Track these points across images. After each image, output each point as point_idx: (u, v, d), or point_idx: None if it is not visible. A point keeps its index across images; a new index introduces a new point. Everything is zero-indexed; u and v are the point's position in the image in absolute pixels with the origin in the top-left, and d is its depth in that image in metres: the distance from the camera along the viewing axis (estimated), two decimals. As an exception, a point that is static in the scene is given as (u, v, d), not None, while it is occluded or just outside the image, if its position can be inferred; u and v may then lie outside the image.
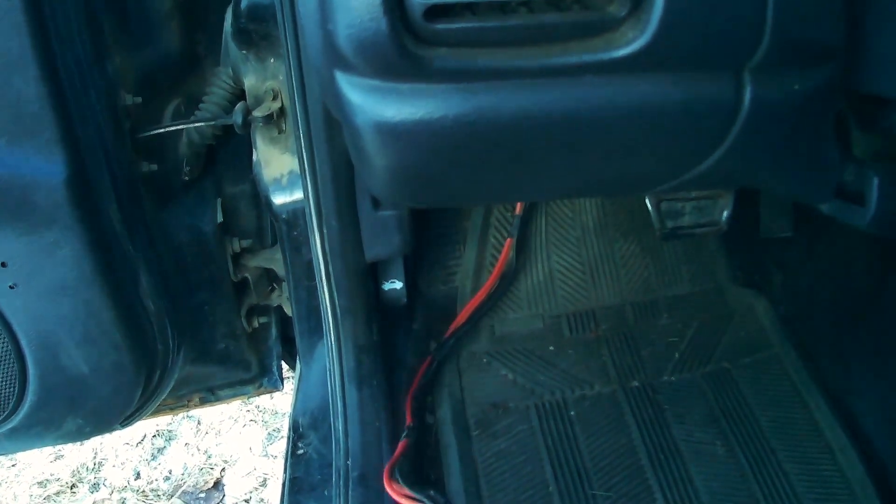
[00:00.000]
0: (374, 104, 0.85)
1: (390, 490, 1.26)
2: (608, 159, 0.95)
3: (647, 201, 1.66)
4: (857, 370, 1.64)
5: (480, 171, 0.95)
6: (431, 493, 1.32)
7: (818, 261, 1.82)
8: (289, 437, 1.57)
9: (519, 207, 1.78)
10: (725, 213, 1.64)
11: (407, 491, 1.30)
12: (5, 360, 1.29)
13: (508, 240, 1.80)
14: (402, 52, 0.80)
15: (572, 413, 1.64)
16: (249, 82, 1.35)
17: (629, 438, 1.59)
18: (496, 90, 0.84)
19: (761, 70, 0.86)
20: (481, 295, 1.78)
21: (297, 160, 1.37)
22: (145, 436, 3.13)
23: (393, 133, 0.86)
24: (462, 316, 1.76)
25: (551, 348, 1.77)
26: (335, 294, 1.28)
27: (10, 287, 1.23)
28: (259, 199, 1.60)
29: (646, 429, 1.60)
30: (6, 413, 1.34)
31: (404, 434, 1.41)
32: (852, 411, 1.60)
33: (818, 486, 1.49)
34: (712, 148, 0.92)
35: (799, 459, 1.53)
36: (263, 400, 3.17)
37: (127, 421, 1.50)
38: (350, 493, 1.35)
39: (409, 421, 1.45)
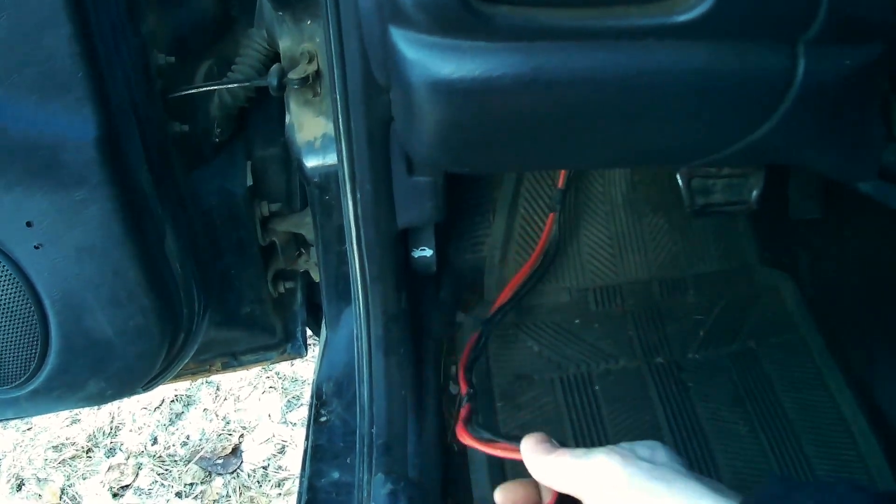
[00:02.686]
0: (431, 61, 0.84)
1: (468, 439, 1.23)
2: (660, 127, 0.95)
3: (679, 177, 1.65)
4: (880, 358, 1.64)
5: (531, 134, 0.95)
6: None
7: (846, 245, 1.82)
8: (311, 404, 1.56)
9: (561, 181, 1.78)
10: (755, 192, 1.63)
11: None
12: (28, 321, 1.27)
13: (551, 214, 1.79)
14: (465, 7, 0.80)
15: (597, 387, 1.63)
16: (285, 44, 1.33)
17: (653, 415, 1.59)
18: (557, 50, 0.84)
19: (815, 44, 0.86)
20: (525, 270, 1.78)
21: (330, 124, 1.36)
22: (163, 400, 3.13)
23: (450, 91, 0.85)
24: (507, 292, 1.75)
25: (577, 322, 1.76)
26: (365, 260, 1.27)
27: (36, 247, 1.21)
28: (289, 163, 1.60)
29: (669, 406, 1.60)
30: (27, 375, 1.33)
31: (465, 400, 1.40)
32: (874, 399, 1.61)
33: (838, 470, 1.49)
34: (763, 120, 0.92)
35: (820, 443, 1.54)
36: (283, 367, 3.17)
37: (149, 385, 1.49)
38: (374, 461, 1.35)
39: (464, 390, 1.44)
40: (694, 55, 0.86)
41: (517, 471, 1.46)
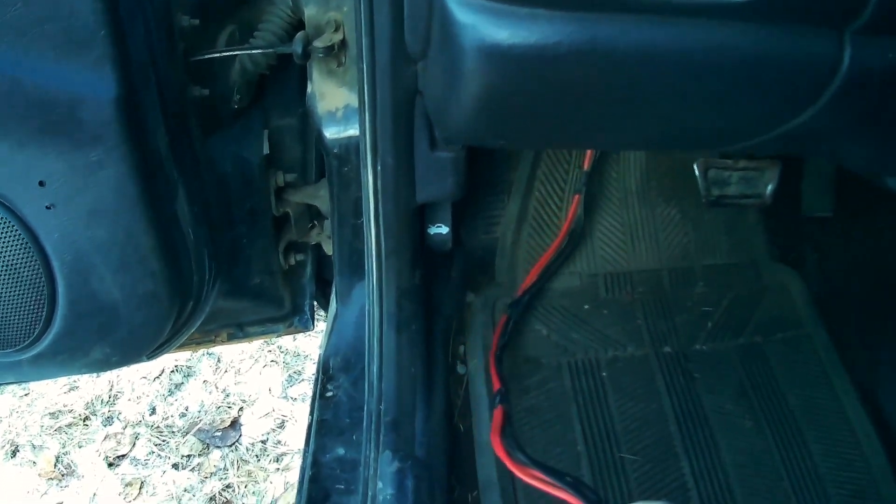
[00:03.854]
0: (486, 25, 0.84)
1: (514, 468, 1.26)
2: (705, 107, 0.95)
3: (695, 167, 1.65)
4: (885, 359, 1.65)
5: (577, 107, 0.95)
6: (568, 478, 1.30)
7: (854, 246, 1.82)
8: (317, 379, 1.55)
9: (587, 163, 1.78)
10: (770, 187, 1.64)
11: (539, 473, 1.29)
12: (35, 284, 1.25)
13: (577, 196, 1.79)
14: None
15: (604, 374, 1.63)
16: (310, 12, 1.32)
17: (659, 404, 1.59)
18: (612, 23, 0.84)
19: (862, 34, 0.86)
20: (551, 252, 1.78)
21: (353, 95, 1.35)
22: (163, 370, 3.12)
23: (502, 56, 0.85)
24: (533, 274, 1.76)
25: (586, 307, 1.76)
26: (382, 234, 1.26)
27: (47, 207, 1.19)
28: (305, 134, 1.59)
29: (676, 396, 1.60)
30: (32, 339, 1.31)
31: (497, 400, 1.40)
32: (878, 399, 1.62)
33: (841, 468, 1.50)
34: (806, 105, 0.92)
35: (824, 441, 1.55)
36: (285, 341, 3.16)
37: (154, 353, 1.47)
38: (382, 437, 1.34)
39: (497, 386, 1.44)
40: (745, 36, 0.86)
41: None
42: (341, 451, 1.43)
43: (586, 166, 1.78)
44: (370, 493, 1.29)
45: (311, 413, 1.50)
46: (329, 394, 1.52)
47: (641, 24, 0.84)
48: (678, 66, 0.88)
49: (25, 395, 3.10)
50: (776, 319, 1.76)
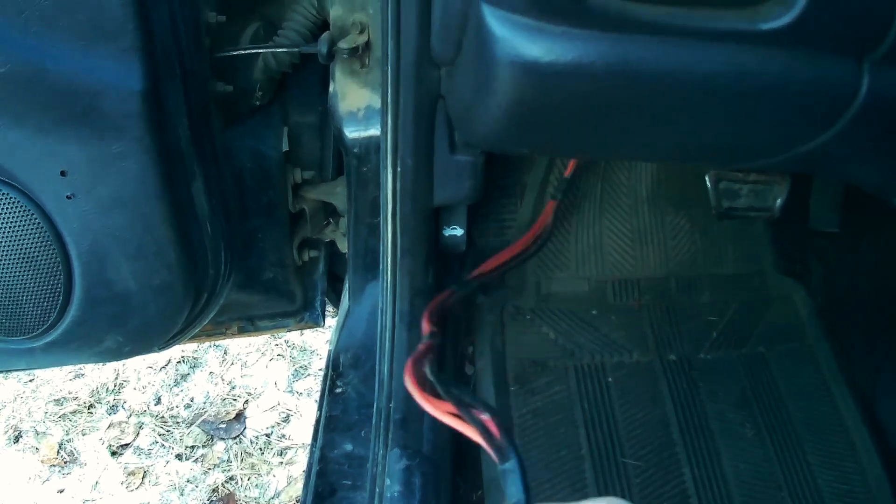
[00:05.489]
0: (521, 41, 0.86)
1: (415, 390, 1.13)
2: (723, 127, 0.98)
3: (707, 179, 1.66)
4: (886, 372, 1.65)
5: (602, 122, 0.97)
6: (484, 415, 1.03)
7: (859, 260, 1.83)
8: (326, 375, 1.56)
9: (569, 170, 1.77)
10: (779, 201, 1.65)
11: (450, 407, 1.12)
12: (52, 272, 1.26)
13: (551, 202, 1.78)
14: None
15: (609, 379, 1.64)
16: (335, 13, 1.33)
17: (663, 411, 1.60)
18: (644, 44, 0.86)
19: (881, 63, 0.88)
20: (512, 251, 1.75)
21: (375, 96, 1.36)
22: (170, 361, 3.13)
23: (535, 71, 0.86)
24: (488, 265, 1.71)
25: (594, 312, 1.77)
26: (398, 233, 1.28)
27: (68, 197, 1.20)
28: (324, 132, 1.60)
29: (679, 403, 1.61)
30: (46, 326, 1.32)
31: (427, 337, 1.30)
32: (878, 413, 1.63)
33: (838, 481, 1.52)
34: (822, 130, 0.94)
35: (823, 452, 1.56)
36: (293, 336, 3.17)
37: (167, 344, 1.48)
38: (391, 435, 1.35)
39: (426, 330, 1.37)
40: (767, 61, 0.88)
41: (528, 455, 1.48)
42: (349, 446, 1.44)
43: (567, 173, 1.76)
44: (377, 490, 1.30)
45: (320, 408, 1.51)
46: (338, 390, 1.53)
47: (670, 46, 0.87)
48: (702, 86, 0.90)
49: (30, 380, 3.10)
50: (780, 330, 1.77)
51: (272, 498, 2.66)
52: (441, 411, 1.03)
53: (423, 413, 1.39)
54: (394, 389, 1.39)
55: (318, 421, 1.49)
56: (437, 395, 1.07)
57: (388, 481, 1.28)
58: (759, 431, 1.58)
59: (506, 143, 1.09)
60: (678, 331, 1.76)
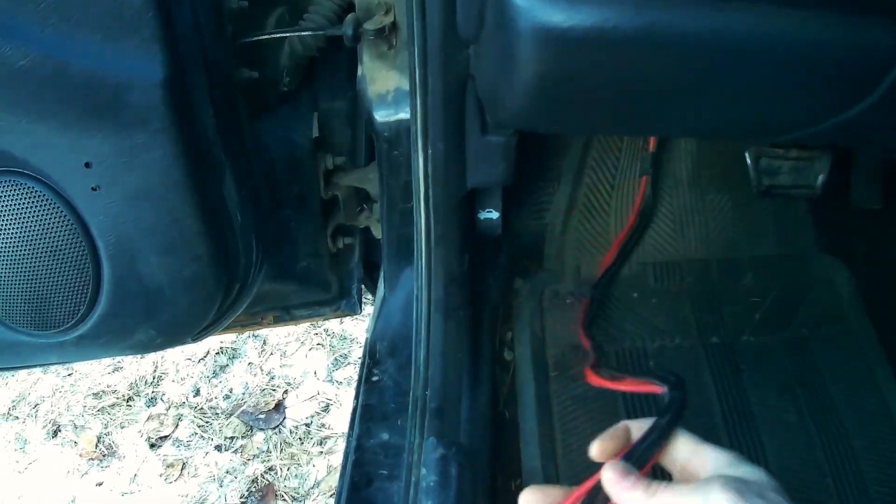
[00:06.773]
0: (542, 8, 0.83)
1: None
2: (761, 95, 0.94)
3: (747, 156, 1.63)
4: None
5: (632, 93, 0.94)
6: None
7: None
8: (363, 363, 1.55)
9: (652, 144, 1.78)
10: (821, 178, 1.62)
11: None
12: (81, 265, 1.26)
13: (644, 177, 1.79)
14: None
15: (651, 363, 1.61)
16: (360, -6, 1.31)
17: (705, 396, 1.57)
18: (670, 7, 0.83)
19: None
20: (624, 234, 1.78)
21: (404, 78, 1.34)
22: (208, 352, 3.14)
23: (558, 40, 0.84)
24: (610, 255, 1.76)
25: (635, 295, 1.74)
26: (432, 219, 1.25)
27: (93, 189, 1.19)
28: (354, 117, 1.58)
29: (722, 388, 1.58)
30: (76, 320, 1.32)
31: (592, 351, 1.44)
32: (922, 399, 1.58)
33: (883, 466, 1.47)
34: (861, 97, 0.90)
35: (867, 438, 1.52)
36: (332, 324, 3.17)
37: (199, 335, 1.48)
38: (427, 423, 1.33)
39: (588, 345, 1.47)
40: (803, 24, 0.85)
41: (568, 442, 1.46)
42: (385, 436, 1.43)
43: (652, 148, 1.78)
44: (413, 480, 1.28)
45: (357, 397, 1.50)
46: (375, 378, 1.51)
47: (699, 9, 0.84)
48: (734, 53, 0.87)
49: (69, 374, 3.12)
50: (823, 312, 1.74)
51: (312, 488, 2.66)
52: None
53: (459, 402, 1.38)
54: (430, 378, 1.37)
55: (354, 410, 1.48)
56: None
57: (423, 471, 1.26)
58: (802, 416, 1.55)
59: (535, 120, 1.07)
60: (720, 314, 1.73)
